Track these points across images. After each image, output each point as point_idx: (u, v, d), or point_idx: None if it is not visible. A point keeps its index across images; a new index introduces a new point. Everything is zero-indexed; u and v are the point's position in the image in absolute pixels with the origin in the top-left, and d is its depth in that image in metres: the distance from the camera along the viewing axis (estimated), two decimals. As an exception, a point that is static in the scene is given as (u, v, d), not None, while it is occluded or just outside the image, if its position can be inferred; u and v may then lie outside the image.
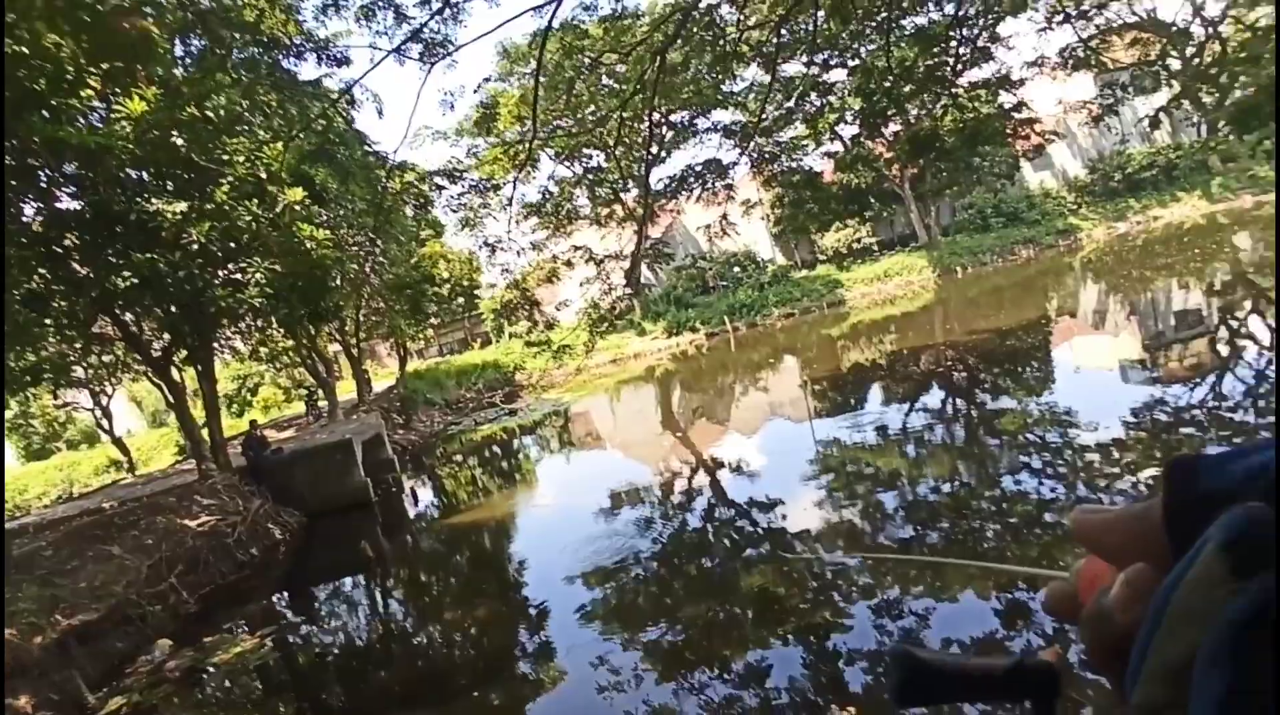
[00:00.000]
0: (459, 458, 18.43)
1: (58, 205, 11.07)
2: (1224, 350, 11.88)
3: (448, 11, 7.02)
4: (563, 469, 15.21)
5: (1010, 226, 33.41)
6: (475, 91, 22.47)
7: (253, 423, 14.89)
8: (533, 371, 28.71)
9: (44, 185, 10.62)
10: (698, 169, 32.16)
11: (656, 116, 28.18)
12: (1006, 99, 29.89)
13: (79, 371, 18.62)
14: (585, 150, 29.17)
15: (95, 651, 8.24)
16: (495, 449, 18.65)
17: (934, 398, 13.34)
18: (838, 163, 34.34)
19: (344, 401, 22.86)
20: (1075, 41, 25.78)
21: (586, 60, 15.04)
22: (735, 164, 31.50)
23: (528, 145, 6.65)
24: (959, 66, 17.12)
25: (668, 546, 8.43)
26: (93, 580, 9.21)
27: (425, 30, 7.09)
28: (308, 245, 11.78)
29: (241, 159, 10.68)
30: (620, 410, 21.86)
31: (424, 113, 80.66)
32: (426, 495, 15.21)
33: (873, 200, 35.03)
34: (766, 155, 32.99)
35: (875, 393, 14.90)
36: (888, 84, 17.31)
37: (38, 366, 13.47)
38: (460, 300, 28.60)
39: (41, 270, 10.91)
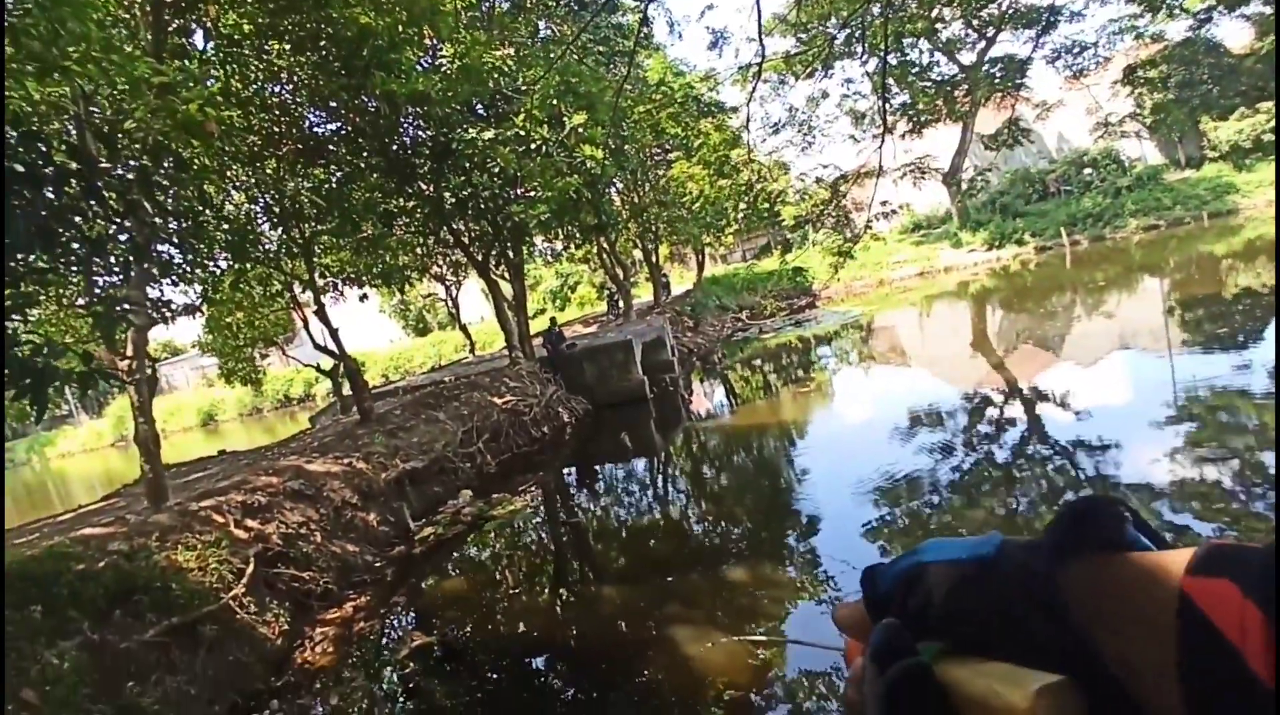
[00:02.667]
0: (743, 363, 18.29)
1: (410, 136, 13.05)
2: None
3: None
4: (857, 382, 14.10)
5: None
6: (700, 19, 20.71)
7: (552, 320, 16.28)
8: (830, 282, 27.31)
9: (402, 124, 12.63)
10: (985, 68, 27.39)
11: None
12: None
13: (436, 270, 22.38)
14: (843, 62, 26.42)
15: (419, 491, 9.82)
16: (784, 357, 18.10)
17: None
18: (1261, 28, 25.93)
19: (642, 304, 24.04)
20: None
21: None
22: (1030, 60, 26.27)
23: (757, 66, 5.76)
24: None
25: (969, 477, 7.32)
26: (423, 438, 10.83)
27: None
28: (588, 164, 12.43)
29: (537, 88, 11.42)
30: (928, 326, 19.67)
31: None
32: (704, 396, 15.37)
33: (1310, 73, 26.02)
34: (1076, 46, 26.88)
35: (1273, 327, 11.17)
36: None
37: (404, 267, 16.78)
38: (764, 208, 27.94)
39: (407, 189, 12.98)
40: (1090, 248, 25.10)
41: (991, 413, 9.83)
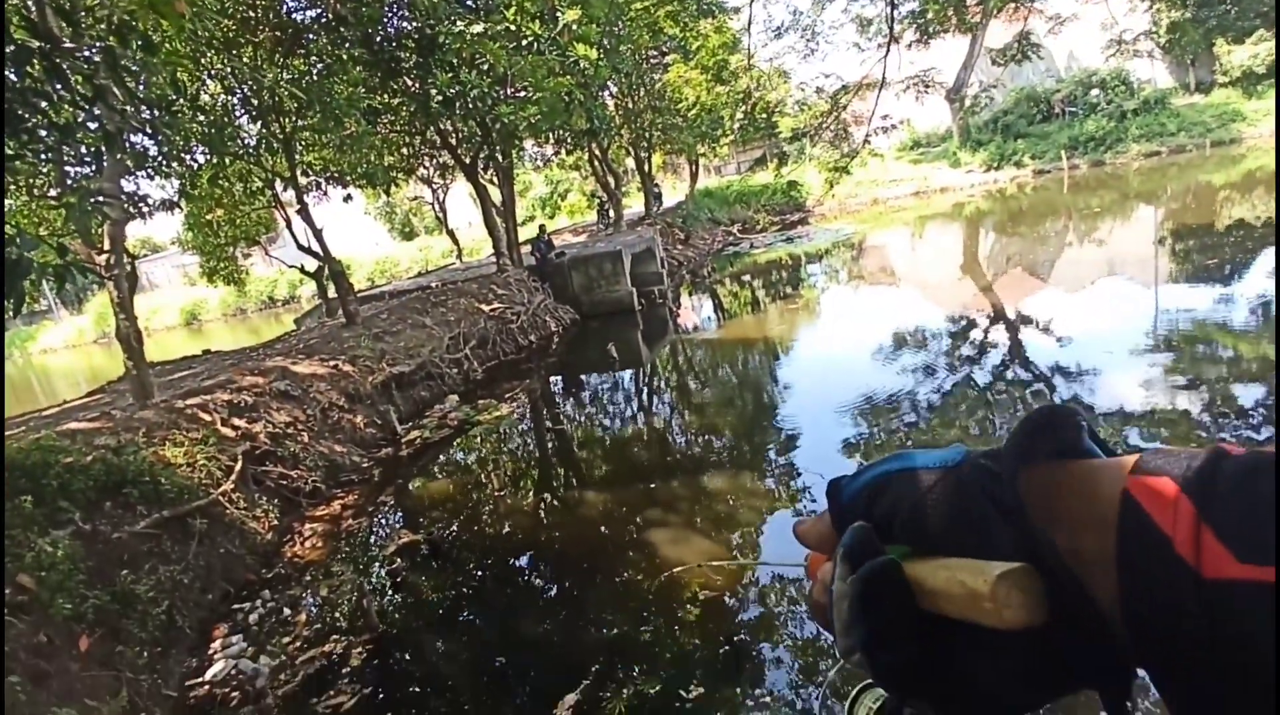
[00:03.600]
0: (732, 278, 18.21)
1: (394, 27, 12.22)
2: None
3: None
4: (845, 301, 14.10)
5: None
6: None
7: (541, 227, 16.01)
8: (824, 199, 26.89)
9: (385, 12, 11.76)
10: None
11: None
12: None
13: (422, 171, 21.70)
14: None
15: (406, 395, 9.92)
16: (773, 273, 18.01)
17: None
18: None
19: (633, 214, 23.62)
20: None
21: None
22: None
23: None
24: None
25: (948, 398, 7.43)
26: (409, 342, 10.83)
27: None
28: (581, 64, 11.88)
29: None
30: (919, 248, 19.54)
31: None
32: (692, 309, 15.38)
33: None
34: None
35: (1263, 260, 11.19)
36: None
37: (389, 167, 16.31)
38: (762, 118, 27.06)
39: (391, 84, 12.30)
40: (1089, 172, 24.75)
41: (975, 336, 9.93)
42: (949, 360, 8.78)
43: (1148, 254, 13.24)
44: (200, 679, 4.49)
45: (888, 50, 7.78)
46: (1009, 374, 8.08)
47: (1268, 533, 0.26)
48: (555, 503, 6.58)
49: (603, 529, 5.73)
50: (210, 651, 4.79)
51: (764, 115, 19.63)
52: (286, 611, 5.21)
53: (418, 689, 4.19)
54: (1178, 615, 0.28)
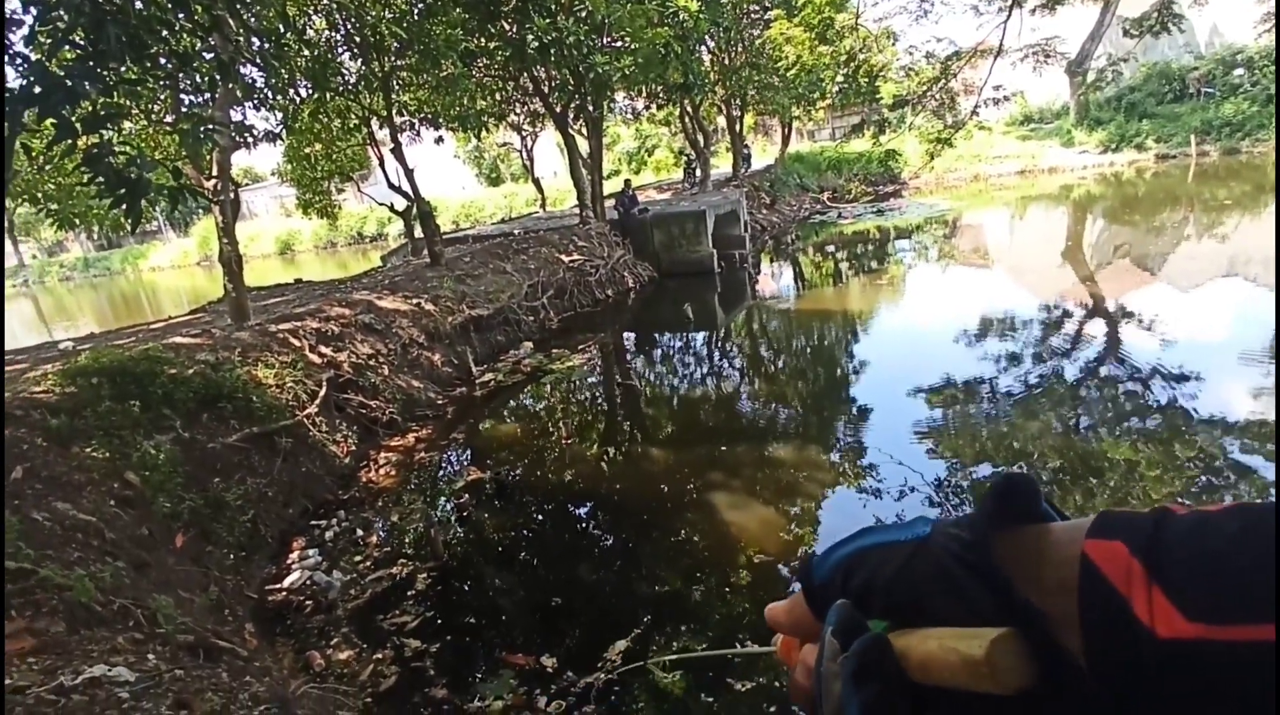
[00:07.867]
0: (816, 247, 17.74)
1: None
2: None
3: None
4: (932, 281, 13.53)
5: None
6: None
7: (626, 182, 15.90)
8: (922, 171, 25.71)
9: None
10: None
11: None
12: None
13: (512, 118, 21.74)
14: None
15: (483, 338, 10.20)
16: (860, 246, 17.44)
17: None
18: None
19: (719, 174, 23.20)
20: None
21: None
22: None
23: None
24: None
25: (1031, 391, 7.09)
26: (489, 287, 11.05)
27: None
28: (681, 16, 11.42)
29: None
30: (1018, 230, 18.51)
31: None
32: (771, 276, 15.11)
33: None
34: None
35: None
36: None
37: (481, 112, 16.24)
38: (864, 82, 25.76)
39: (489, 28, 12.30)
40: (1219, 161, 22.73)
41: (1069, 328, 9.40)
42: (1037, 351, 8.36)
43: (1271, 255, 12.15)
44: (278, 585, 4.82)
45: (1009, 14, 7.29)
46: (1101, 371, 7.63)
47: (1211, 590, 0.28)
48: (618, 456, 6.67)
49: (663, 486, 5.78)
50: (288, 561, 5.12)
51: (866, 79, 18.72)
52: (359, 532, 5.50)
53: (475, 619, 4.37)
54: (1138, 675, 0.29)
